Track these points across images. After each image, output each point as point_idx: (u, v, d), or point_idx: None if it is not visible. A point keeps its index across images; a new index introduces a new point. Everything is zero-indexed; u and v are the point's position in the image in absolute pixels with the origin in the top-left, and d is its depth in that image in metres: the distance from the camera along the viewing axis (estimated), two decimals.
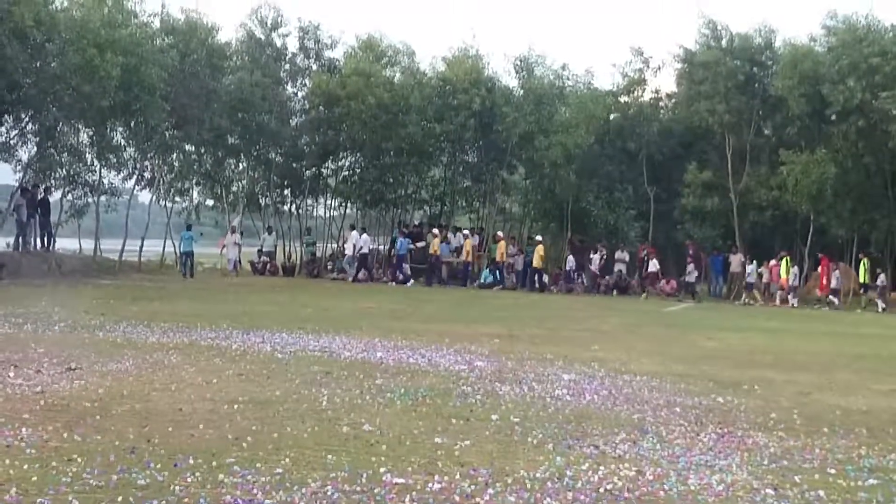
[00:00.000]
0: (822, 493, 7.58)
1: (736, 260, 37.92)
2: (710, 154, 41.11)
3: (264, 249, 41.77)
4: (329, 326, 19.00)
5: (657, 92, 43.04)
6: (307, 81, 43.13)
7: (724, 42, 40.12)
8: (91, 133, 36.93)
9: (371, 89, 40.30)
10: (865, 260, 36.32)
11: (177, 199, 44.19)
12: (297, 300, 27.55)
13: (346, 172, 44.85)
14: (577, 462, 8.24)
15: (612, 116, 42.35)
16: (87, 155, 37.77)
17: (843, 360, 17.43)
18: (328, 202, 47.26)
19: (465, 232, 40.84)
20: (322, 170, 44.63)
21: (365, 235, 40.76)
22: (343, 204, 46.58)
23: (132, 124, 37.58)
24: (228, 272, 38.86)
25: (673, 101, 43.24)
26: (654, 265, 38.36)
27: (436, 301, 29.74)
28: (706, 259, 39.04)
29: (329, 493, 6.94)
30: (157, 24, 38.29)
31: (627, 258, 39.13)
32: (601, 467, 8.09)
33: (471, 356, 15.26)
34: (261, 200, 45.34)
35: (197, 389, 11.13)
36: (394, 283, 38.16)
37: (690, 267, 37.15)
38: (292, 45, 43.47)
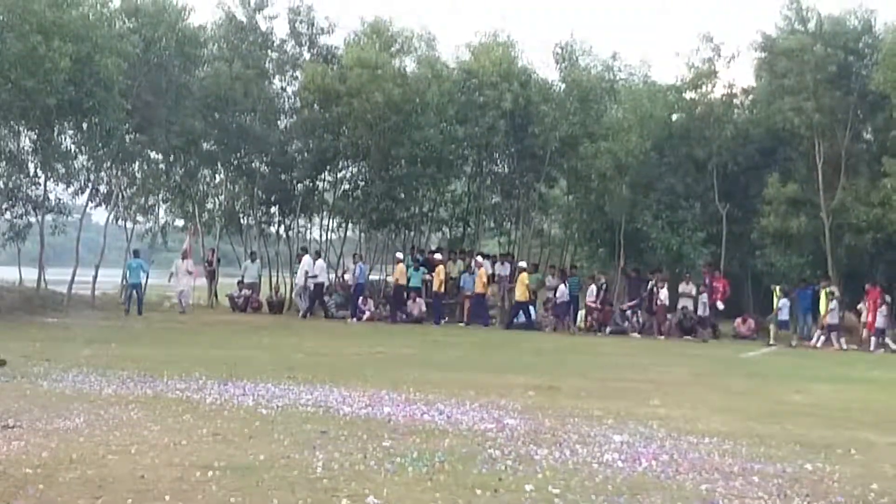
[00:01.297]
0: None
1: (830, 294, 37.61)
2: (797, 163, 40.80)
3: (246, 280, 41.69)
4: (325, 375, 19.01)
5: (731, 87, 42.76)
6: (299, 74, 43.17)
7: (812, 26, 39.96)
8: (34, 137, 37.04)
9: (378, 84, 40.12)
10: None
11: (139, 218, 44.18)
12: (285, 343, 27.55)
13: (348, 186, 44.75)
14: None
15: (674, 117, 42.22)
16: (28, 164, 37.92)
17: None
18: (325, 222, 47.19)
19: (478, 258, 40.85)
20: (317, 183, 44.66)
21: (320, 261, 41.09)
22: (343, 224, 46.40)
23: (85, 126, 37.64)
24: (178, 310, 38.78)
25: (750, 97, 43.10)
26: (663, 295, 38.69)
27: (457, 344, 29.70)
28: (793, 294, 38.78)
29: None
30: (115, 3, 38.37)
31: (694, 292, 38.97)
32: None
33: (500, 412, 15.25)
34: (242, 220, 45.46)
35: (162, 452, 11.15)
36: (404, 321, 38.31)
37: (782, 303, 37.08)
38: (281, 30, 43.73)
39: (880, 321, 35.73)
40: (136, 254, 38.75)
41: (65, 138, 38.44)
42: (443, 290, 39.60)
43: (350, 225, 46.15)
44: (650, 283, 39.55)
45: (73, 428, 12.36)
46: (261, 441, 12.07)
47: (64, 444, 11.37)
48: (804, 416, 16.53)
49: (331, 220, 46.53)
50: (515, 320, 38.84)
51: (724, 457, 12.31)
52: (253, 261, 42.68)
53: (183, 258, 39.88)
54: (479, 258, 40.75)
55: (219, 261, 43.68)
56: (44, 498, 8.93)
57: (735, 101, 42.81)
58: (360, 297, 39.58)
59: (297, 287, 40.76)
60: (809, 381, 22.84)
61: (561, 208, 46.01)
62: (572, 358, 27.00)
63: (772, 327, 37.76)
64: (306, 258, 40.69)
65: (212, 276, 43.66)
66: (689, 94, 42.16)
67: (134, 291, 36.93)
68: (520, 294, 38.80)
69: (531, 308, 39.54)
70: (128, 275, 37.77)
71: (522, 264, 40.53)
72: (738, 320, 38.33)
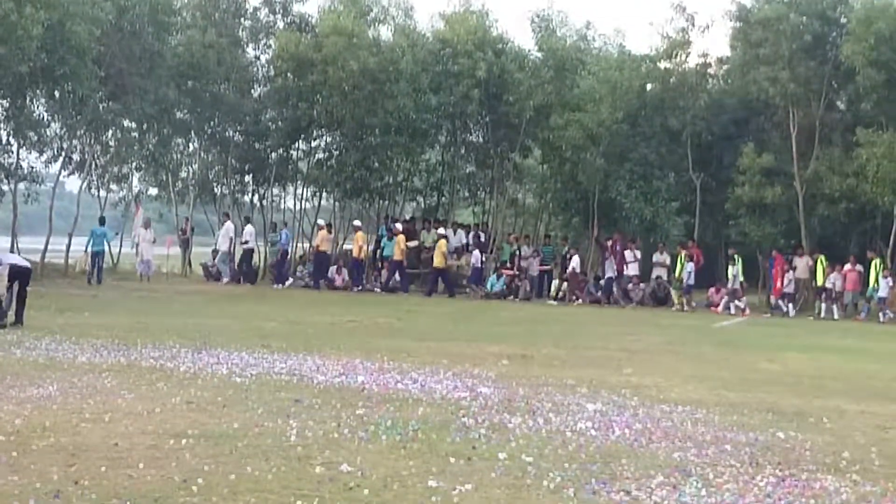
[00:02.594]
0: None
1: (802, 263, 37.74)
2: (771, 134, 40.95)
3: (245, 246, 41.23)
4: (299, 344, 19.05)
5: (705, 56, 42.84)
6: (272, 42, 42.97)
7: None
8: (6, 105, 36.97)
9: (353, 52, 39.95)
10: None
11: (113, 186, 44.05)
12: (259, 312, 27.57)
13: (322, 155, 44.61)
14: None
15: (648, 87, 42.19)
16: (1, 132, 37.76)
17: None
18: (299, 191, 47.06)
19: (440, 230, 40.64)
20: (291, 152, 44.57)
21: (249, 227, 41.20)
22: (317, 193, 46.22)
23: (57, 94, 37.50)
24: (137, 277, 38.67)
25: (725, 67, 43.17)
26: (575, 262, 39.27)
27: (432, 313, 29.77)
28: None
29: None
30: None
31: (668, 261, 39.06)
32: None
33: (474, 381, 15.29)
34: (216, 189, 45.33)
35: (136, 420, 11.15)
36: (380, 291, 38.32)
37: (789, 276, 37.27)
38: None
39: (883, 290, 35.95)
40: (102, 221, 38.38)
41: (37, 106, 38.34)
42: (404, 259, 39.46)
43: (324, 194, 46.01)
44: (565, 251, 40.07)
45: (46, 396, 12.35)
46: (234, 409, 12.07)
47: (37, 411, 11.36)
48: (776, 385, 16.63)
49: (305, 190, 46.39)
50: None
51: (697, 425, 12.37)
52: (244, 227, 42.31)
53: (145, 227, 39.72)
54: (441, 230, 40.47)
55: (193, 230, 43.62)
56: (17, 465, 8.91)
57: (709, 70, 42.95)
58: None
59: (221, 253, 40.70)
60: (781, 350, 22.94)
61: (535, 178, 46.07)
62: (545, 327, 27.07)
63: (673, 292, 38.15)
64: (227, 224, 41.01)
65: (186, 245, 43.56)
66: (663, 64, 42.17)
67: (96, 259, 36.65)
68: (438, 261, 38.93)
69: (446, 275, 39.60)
70: (91, 242, 37.48)
71: (441, 231, 40.64)
72: (712, 290, 38.39)
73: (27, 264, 21.53)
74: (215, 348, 17.82)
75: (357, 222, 41.58)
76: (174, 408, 12.03)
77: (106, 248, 37.98)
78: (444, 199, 46.63)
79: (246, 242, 39.84)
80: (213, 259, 41.17)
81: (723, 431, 12.06)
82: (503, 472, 9.51)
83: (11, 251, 35.79)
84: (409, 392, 14.01)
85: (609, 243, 39.90)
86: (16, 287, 20.23)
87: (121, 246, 42.76)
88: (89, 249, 37.18)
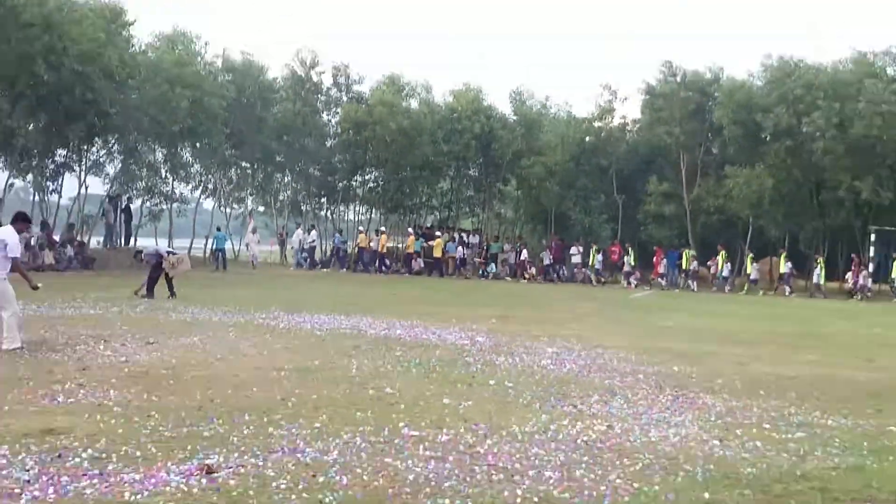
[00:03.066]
0: (759, 443, 7.62)
1: (687, 255, 37.69)
2: (668, 169, 40.79)
3: (306, 246, 41.27)
4: (357, 309, 19.00)
5: (624, 118, 42.76)
6: (339, 110, 42.93)
7: (678, 77, 39.94)
8: (165, 152, 37.00)
9: (392, 117, 39.92)
10: (784, 254, 36.62)
11: (234, 205, 44.19)
12: (330, 288, 27.52)
13: (372, 184, 44.58)
14: (559, 419, 8.28)
15: (587, 139, 42.06)
16: (161, 170, 37.85)
17: (771, 336, 17.43)
18: (356, 208, 47.11)
19: (438, 233, 40.46)
20: (352, 182, 44.47)
21: (314, 232, 40.77)
22: (368, 210, 46.33)
23: (198, 145, 37.56)
24: (250, 267, 38.43)
25: (637, 125, 42.94)
26: (524, 255, 39.14)
27: (444, 290, 29.70)
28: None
29: (358, 444, 7.00)
30: (219, 63, 38.37)
31: (581, 251, 39.12)
32: (578, 423, 8.13)
33: (472, 333, 15.29)
34: (302, 207, 45.26)
35: (250, 359, 11.20)
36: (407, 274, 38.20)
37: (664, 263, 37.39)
38: (327, 81, 43.27)
39: (727, 272, 35.96)
40: (219, 229, 37.93)
41: (185, 153, 38.37)
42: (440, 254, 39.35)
43: (373, 210, 45.99)
44: (518, 245, 40.20)
45: (192, 344, 12.39)
46: (315, 352, 12.10)
47: (186, 354, 11.41)
48: (670, 336, 16.62)
49: (360, 207, 46.44)
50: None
51: (620, 362, 12.38)
52: (310, 232, 42.20)
53: (253, 232, 39.79)
54: (439, 233, 40.35)
55: (287, 234, 43.49)
56: (174, 389, 8.96)
57: (627, 127, 42.68)
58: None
59: (296, 251, 40.59)
60: (675, 313, 22.87)
61: (512, 199, 45.87)
62: (518, 299, 26.97)
63: (591, 275, 38.25)
64: (298, 231, 40.80)
65: (282, 244, 43.63)
66: (596, 123, 41.95)
67: (220, 253, 36.29)
68: (437, 253, 38.84)
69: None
70: (215, 243, 37.24)
71: (382, 229, 41.05)
72: (625, 272, 38.21)
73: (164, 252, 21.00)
74: (302, 312, 17.82)
75: (382, 228, 41.42)
76: (275, 351, 12.07)
77: (226, 246, 37.68)
78: (452, 212, 46.47)
79: (312, 241, 39.74)
80: (301, 252, 41.03)
81: (637, 366, 12.08)
82: (492, 393, 9.54)
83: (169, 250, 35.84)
84: (429, 340, 14.03)
85: (553, 243, 39.91)
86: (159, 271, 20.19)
87: (239, 245, 42.63)
88: (212, 247, 37.16)
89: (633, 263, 38.18)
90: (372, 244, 39.88)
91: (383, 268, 39.04)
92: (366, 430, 7.44)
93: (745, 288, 35.74)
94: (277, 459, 6.43)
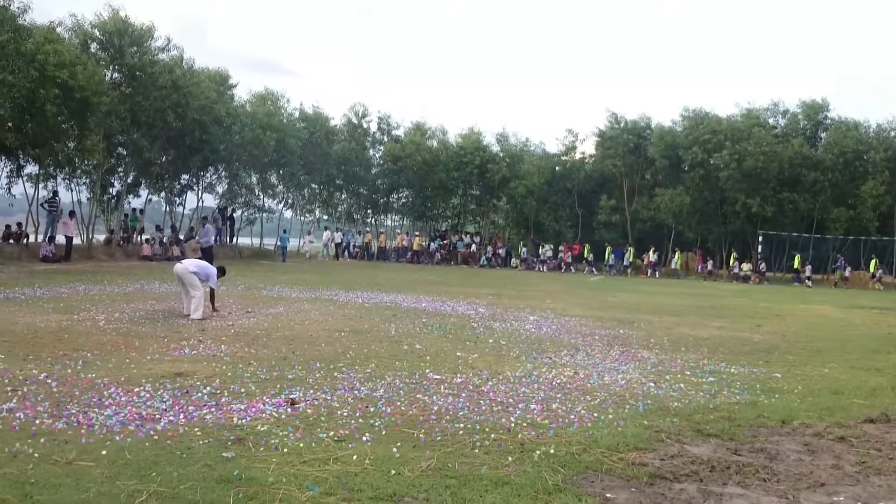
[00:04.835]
0: (682, 385, 7.57)
1: (629, 251, 37.56)
2: (614, 190, 40.53)
3: (356, 244, 41.09)
4: (394, 288, 19.00)
5: (583, 153, 42.35)
6: (381, 148, 42.84)
7: (621, 124, 39.69)
8: (258, 177, 36.97)
9: (419, 152, 40.03)
10: (698, 252, 36.59)
11: (307, 214, 44.06)
12: (372, 273, 27.46)
13: (404, 200, 44.43)
14: (539, 367, 8.24)
15: (556, 168, 41.83)
16: (255, 189, 37.86)
17: (691, 309, 17.29)
18: (393, 217, 47.09)
19: (456, 237, 40.60)
20: (389, 198, 44.36)
21: (339, 233, 39.92)
22: (402, 218, 46.32)
23: (281, 172, 37.45)
24: (319, 258, 38.03)
25: (592, 158, 42.61)
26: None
27: (455, 275, 29.66)
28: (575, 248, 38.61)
29: (397, 384, 6.97)
30: (296, 114, 38.20)
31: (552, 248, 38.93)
32: (553, 370, 8.09)
33: (475, 306, 15.24)
34: (354, 216, 45.20)
35: (319, 324, 11.17)
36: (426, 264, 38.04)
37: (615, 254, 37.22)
38: (374, 127, 43.18)
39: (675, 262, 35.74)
40: (285, 231, 37.56)
41: (272, 177, 38.31)
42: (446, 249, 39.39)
43: (405, 219, 45.94)
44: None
45: (277, 313, 12.36)
46: (365, 318, 12.07)
47: (274, 320, 11.39)
48: (616, 308, 16.50)
49: (395, 216, 46.45)
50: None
51: (582, 327, 12.30)
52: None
53: (325, 228, 39.80)
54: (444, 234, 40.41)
55: (343, 235, 43.37)
56: (266, 345, 8.94)
57: (585, 160, 42.30)
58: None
59: (323, 245, 39.65)
60: (619, 292, 22.73)
61: (503, 211, 45.53)
62: (507, 281, 26.90)
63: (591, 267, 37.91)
64: (326, 232, 39.98)
65: (339, 244, 43.42)
66: (563, 157, 41.71)
67: (283, 249, 35.68)
68: (416, 246, 39.11)
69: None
70: (280, 241, 36.52)
71: (417, 234, 41.09)
72: (584, 263, 38.07)
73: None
74: (355, 290, 17.80)
75: (417, 233, 41.34)
76: (337, 318, 12.04)
77: (288, 243, 37.29)
78: (460, 220, 46.22)
79: (338, 240, 39.11)
80: (353, 248, 40.78)
81: (593, 329, 12.00)
82: (492, 349, 9.49)
83: (260, 245, 35.75)
84: (445, 311, 13.98)
85: (531, 241, 39.85)
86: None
87: (308, 244, 42.63)
88: (278, 244, 36.74)
89: (589, 257, 38.07)
90: (404, 243, 39.99)
91: (415, 259, 38.96)
92: (402, 375, 7.42)
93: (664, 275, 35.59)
94: (340, 395, 6.42)
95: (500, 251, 39.60)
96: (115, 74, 26.69)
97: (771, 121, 38.04)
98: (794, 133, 36.82)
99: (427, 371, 7.65)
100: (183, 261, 12.09)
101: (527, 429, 5.54)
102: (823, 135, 37.42)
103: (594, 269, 37.38)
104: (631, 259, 37.05)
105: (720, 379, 8.06)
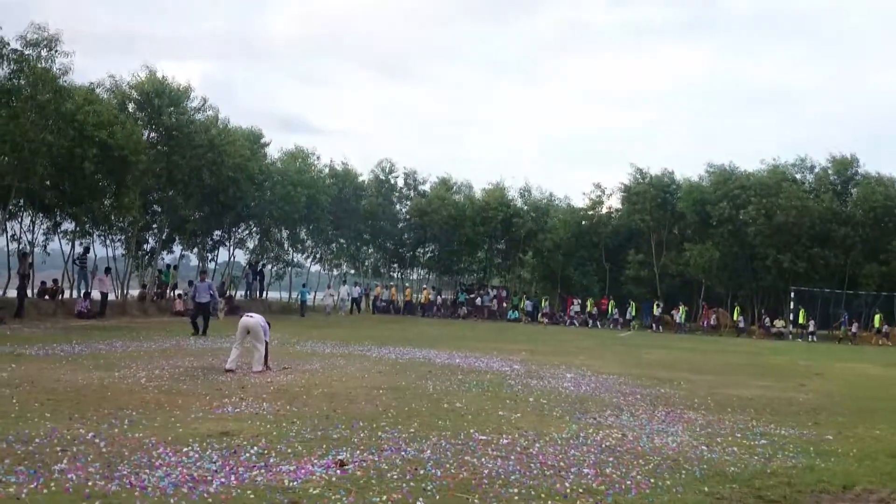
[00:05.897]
0: (735, 449, 7.36)
1: (656, 306, 37.17)
2: (642, 245, 40.28)
3: (382, 298, 41.15)
4: (425, 344, 18.85)
5: (610, 208, 42.21)
6: (408, 203, 43.20)
7: (646, 179, 39.79)
8: (288, 232, 37.24)
9: (445, 207, 40.34)
10: (738, 307, 36.02)
11: (334, 269, 44.24)
12: (400, 328, 27.34)
13: (430, 254, 44.59)
14: (586, 428, 8.05)
15: (583, 222, 41.76)
16: (285, 244, 38.11)
17: (729, 367, 16.98)
18: (419, 271, 47.15)
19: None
20: (416, 252, 44.51)
21: (357, 288, 39.85)
22: (428, 272, 46.37)
23: (310, 227, 37.73)
24: (339, 312, 37.32)
25: (619, 212, 42.51)
26: (528, 305, 39.37)
27: (483, 329, 29.48)
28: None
29: (443, 445, 6.85)
30: (325, 171, 38.69)
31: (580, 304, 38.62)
32: (600, 431, 7.90)
33: (510, 362, 15.07)
34: (381, 270, 45.33)
35: (357, 380, 11.08)
36: (461, 319, 37.91)
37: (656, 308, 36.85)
38: (400, 182, 43.52)
39: (713, 320, 35.27)
40: (304, 285, 36.90)
41: (301, 232, 38.55)
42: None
43: (431, 273, 46.01)
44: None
45: (314, 369, 12.30)
46: (400, 375, 11.96)
47: (311, 376, 11.31)
48: (653, 366, 16.24)
49: (422, 270, 46.52)
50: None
51: (621, 386, 12.08)
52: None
53: (343, 283, 39.94)
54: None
55: (369, 288, 43.41)
56: (306, 402, 8.85)
57: (612, 214, 42.15)
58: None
59: (340, 299, 38.04)
60: (653, 349, 22.39)
61: (529, 265, 45.45)
62: (537, 336, 26.64)
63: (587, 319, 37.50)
64: (344, 286, 39.75)
65: (367, 295, 43.30)
66: (590, 212, 41.62)
67: (303, 304, 34.84)
68: (423, 299, 39.69)
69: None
70: (300, 295, 35.68)
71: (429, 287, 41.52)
72: (611, 318, 37.66)
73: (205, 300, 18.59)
74: (386, 345, 17.69)
75: (431, 286, 41.60)
76: (373, 374, 11.94)
77: (308, 299, 36.27)
78: (486, 274, 46.14)
79: (351, 294, 38.67)
80: (378, 303, 40.75)
81: (633, 388, 11.79)
82: (533, 407, 9.34)
83: (288, 299, 35.76)
84: (480, 367, 13.83)
85: (559, 297, 39.59)
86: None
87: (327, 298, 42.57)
88: (298, 298, 36.18)
89: (617, 311, 37.77)
90: (430, 297, 40.06)
91: (432, 312, 38.92)
92: (447, 435, 7.29)
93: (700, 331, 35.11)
94: (388, 456, 6.31)
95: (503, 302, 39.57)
96: (153, 134, 27.26)
97: (798, 176, 37.89)
98: (824, 188, 36.61)
99: (472, 431, 7.51)
100: (252, 314, 12.17)
101: (583, 495, 5.39)
102: (854, 190, 37.12)
103: (631, 324, 36.94)
104: (659, 314, 36.60)
105: (772, 441, 7.83)
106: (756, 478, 6.16)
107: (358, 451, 6.40)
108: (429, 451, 6.53)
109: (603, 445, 7.17)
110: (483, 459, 6.33)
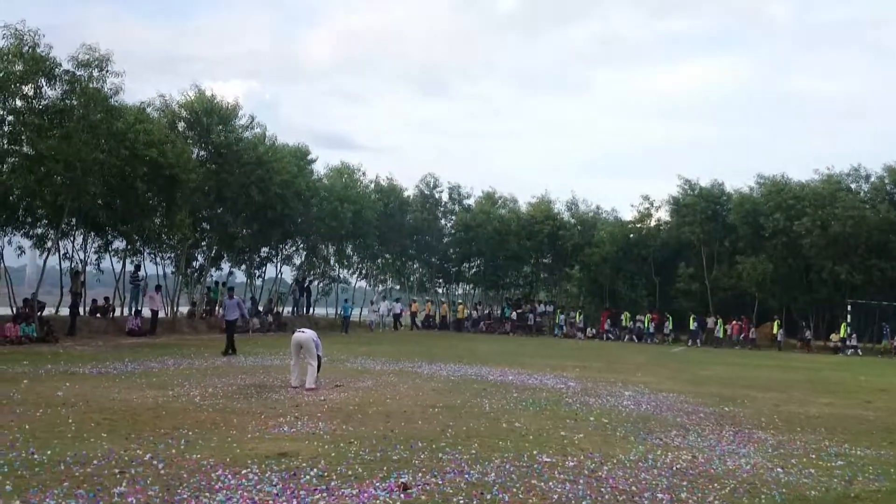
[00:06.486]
0: (812, 470, 6.99)
1: (710, 321, 36.32)
2: (692, 258, 39.43)
3: (395, 312, 40.65)
4: (476, 360, 18.61)
5: (659, 220, 41.48)
6: (453, 217, 43.09)
7: (696, 191, 39.02)
8: (334, 248, 37.38)
9: (489, 222, 40.19)
10: (777, 321, 35.05)
11: (379, 285, 44.28)
12: (447, 344, 27.13)
13: (475, 269, 44.38)
14: (653, 450, 7.74)
15: (630, 235, 41.11)
16: (331, 260, 38.23)
17: (790, 384, 16.38)
18: (465, 286, 46.92)
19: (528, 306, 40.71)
20: (461, 268, 44.34)
21: (385, 303, 39.51)
22: (474, 287, 46.08)
23: (357, 243, 37.86)
24: (380, 329, 37.09)
25: (668, 226, 41.68)
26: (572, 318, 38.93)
27: (531, 344, 29.10)
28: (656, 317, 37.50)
29: (507, 468, 6.62)
30: (371, 186, 38.80)
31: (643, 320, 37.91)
32: (669, 453, 7.59)
33: (565, 379, 14.76)
34: (426, 286, 45.24)
35: (412, 398, 10.90)
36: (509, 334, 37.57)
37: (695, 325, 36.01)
38: (445, 197, 43.47)
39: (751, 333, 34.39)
40: (346, 301, 37.13)
41: (347, 248, 38.68)
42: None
43: (477, 288, 45.73)
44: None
45: (367, 386, 12.17)
46: (455, 393, 11.75)
47: (365, 394, 11.17)
48: (713, 382, 15.73)
49: (468, 285, 46.27)
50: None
51: (683, 404, 11.69)
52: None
53: (384, 299, 39.96)
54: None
55: (414, 303, 43.34)
56: (362, 421, 8.70)
57: (661, 228, 41.41)
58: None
59: (379, 315, 38.03)
60: (710, 365, 21.82)
61: (576, 279, 44.90)
62: (589, 352, 26.19)
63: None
64: (384, 302, 39.51)
65: (397, 314, 42.82)
66: (638, 225, 40.99)
67: (346, 320, 34.42)
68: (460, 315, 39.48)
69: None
70: (343, 311, 35.60)
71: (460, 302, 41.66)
72: (663, 332, 36.95)
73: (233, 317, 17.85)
74: (436, 362, 17.50)
75: (470, 302, 41.34)
76: (426, 392, 11.75)
77: (350, 314, 35.65)
78: (532, 289, 45.71)
79: (392, 310, 38.68)
80: (423, 318, 40.69)
81: (695, 406, 11.39)
82: (595, 427, 9.04)
83: (335, 316, 35.83)
84: (534, 385, 13.55)
85: (606, 312, 39.00)
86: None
87: (371, 313, 42.35)
88: (341, 314, 35.65)
89: (670, 327, 37.04)
90: (474, 313, 39.83)
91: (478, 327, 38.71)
92: (509, 457, 7.05)
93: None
94: (451, 479, 6.10)
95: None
96: (202, 152, 27.61)
97: (853, 186, 36.83)
98: (880, 198, 35.53)
99: (534, 452, 7.26)
100: (304, 330, 12.14)
101: None
102: None
103: (667, 339, 36.21)
104: (721, 331, 35.78)
105: (849, 462, 7.44)
106: (839, 502, 5.80)
107: (420, 474, 6.21)
108: (493, 474, 6.30)
109: (674, 468, 6.85)
110: (551, 483, 6.08)
